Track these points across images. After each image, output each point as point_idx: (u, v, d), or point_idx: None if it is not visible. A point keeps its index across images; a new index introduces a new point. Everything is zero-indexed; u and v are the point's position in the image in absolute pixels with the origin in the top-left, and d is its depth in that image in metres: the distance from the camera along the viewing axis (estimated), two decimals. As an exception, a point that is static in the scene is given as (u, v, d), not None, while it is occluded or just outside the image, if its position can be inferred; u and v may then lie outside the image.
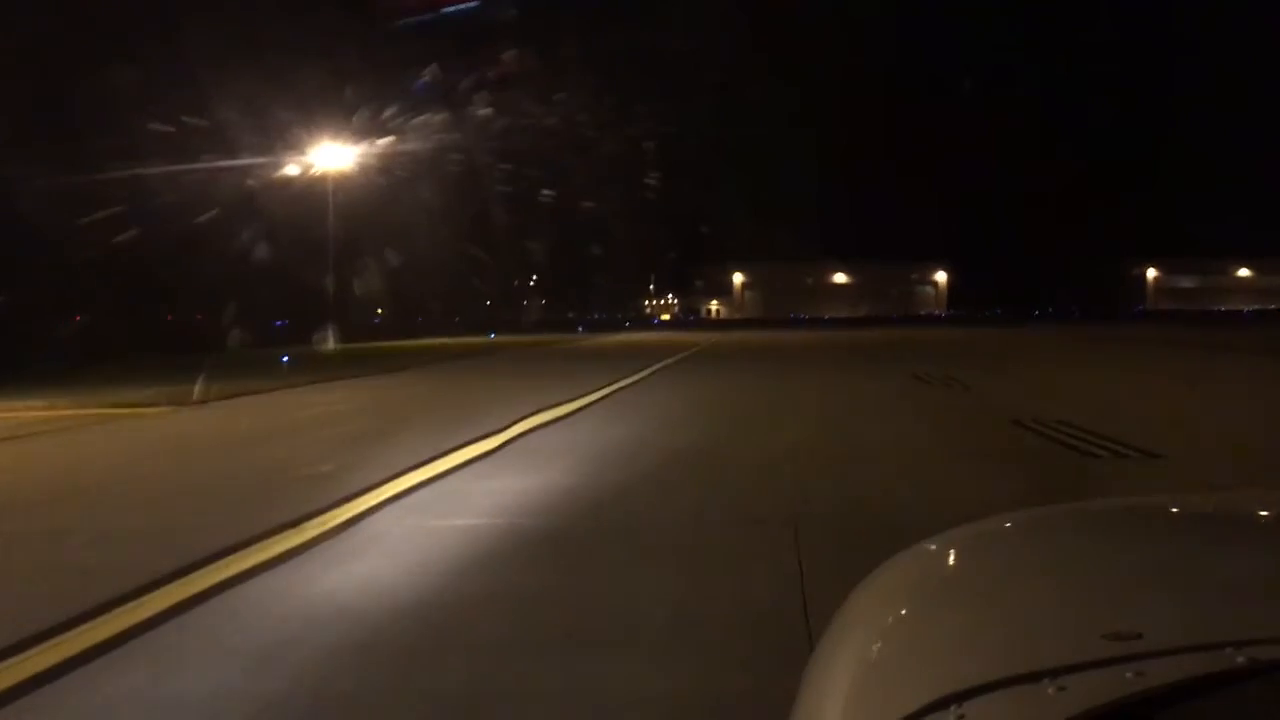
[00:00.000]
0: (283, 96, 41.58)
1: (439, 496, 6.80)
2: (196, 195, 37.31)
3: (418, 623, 3.97)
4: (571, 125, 60.08)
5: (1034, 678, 0.82)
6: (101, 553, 5.38)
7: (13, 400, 15.30)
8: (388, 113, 43.35)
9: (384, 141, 42.89)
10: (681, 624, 3.92)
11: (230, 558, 4.95)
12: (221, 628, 4.02)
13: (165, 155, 35.54)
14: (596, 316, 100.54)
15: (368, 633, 3.84)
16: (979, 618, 1.11)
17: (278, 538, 5.38)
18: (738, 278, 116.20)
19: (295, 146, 40.34)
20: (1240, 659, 0.81)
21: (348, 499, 6.50)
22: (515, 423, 10.85)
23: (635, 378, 18.58)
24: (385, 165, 44.21)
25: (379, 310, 70.72)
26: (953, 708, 0.80)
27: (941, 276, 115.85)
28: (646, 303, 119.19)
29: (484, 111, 46.83)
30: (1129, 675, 0.79)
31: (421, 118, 43.61)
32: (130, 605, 4.19)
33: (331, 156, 41.97)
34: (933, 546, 1.43)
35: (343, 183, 42.65)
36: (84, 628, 3.87)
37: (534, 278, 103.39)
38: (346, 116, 41.52)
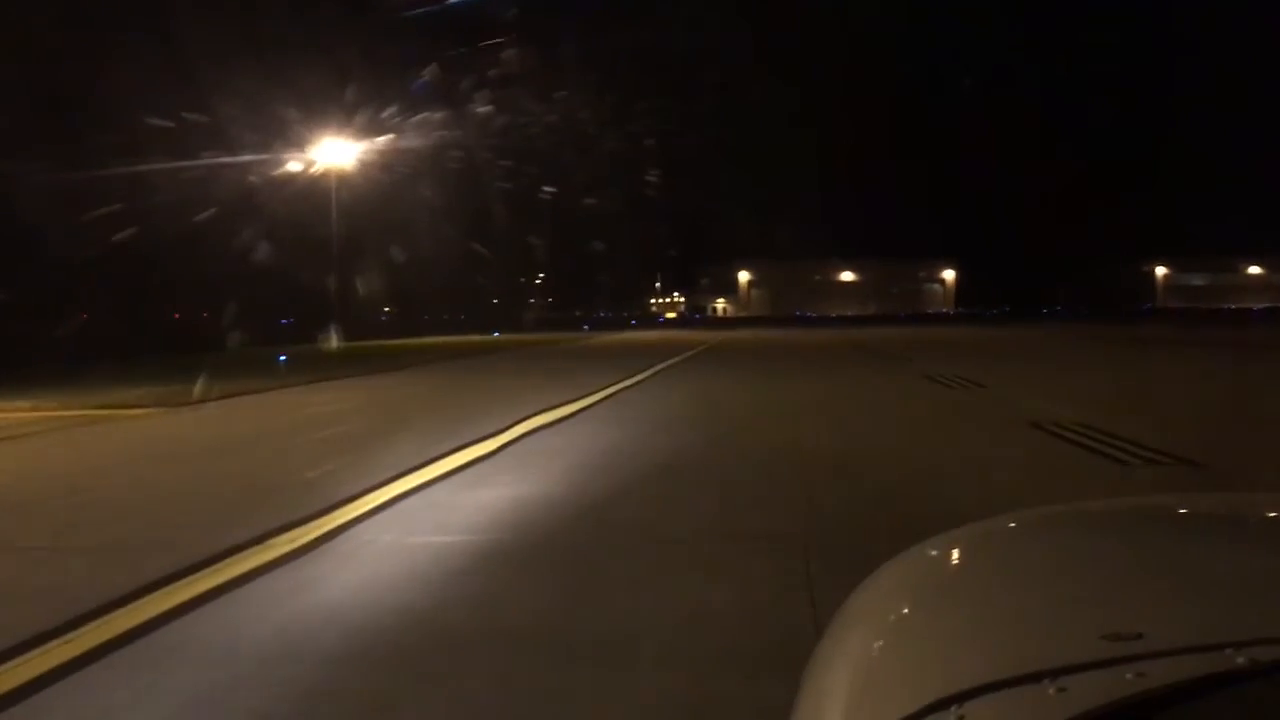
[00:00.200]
0: (285, 93, 41.23)
1: (424, 507, 6.33)
2: (199, 193, 37.02)
3: (364, 683, 3.39)
4: (574, 123, 59.69)
5: (1034, 678, 0.81)
6: (17, 575, 4.85)
7: (0, 401, 14.89)
8: (390, 110, 43.02)
9: (387, 139, 42.56)
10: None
11: (178, 584, 4.44)
12: (154, 667, 3.53)
13: (167, 152, 35.27)
14: (602, 315, 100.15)
15: (300, 694, 3.26)
16: (979, 618, 1.10)
17: (238, 558, 4.90)
18: (743, 276, 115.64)
19: (298, 143, 40.07)
20: (1240, 659, 0.80)
21: (325, 511, 6.04)
22: (512, 425, 10.39)
23: (638, 378, 18.10)
24: (388, 162, 43.89)
25: (386, 309, 70.45)
26: (953, 708, 0.80)
27: (949, 274, 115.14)
28: (652, 301, 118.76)
29: (486, 109, 46.42)
30: (1129, 676, 0.79)
31: (424, 115, 43.24)
32: (39, 650, 3.59)
33: (334, 153, 41.66)
34: (933, 547, 1.42)
35: (345, 180, 42.35)
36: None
37: (540, 276, 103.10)
38: (349, 113, 41.22)
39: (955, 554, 1.43)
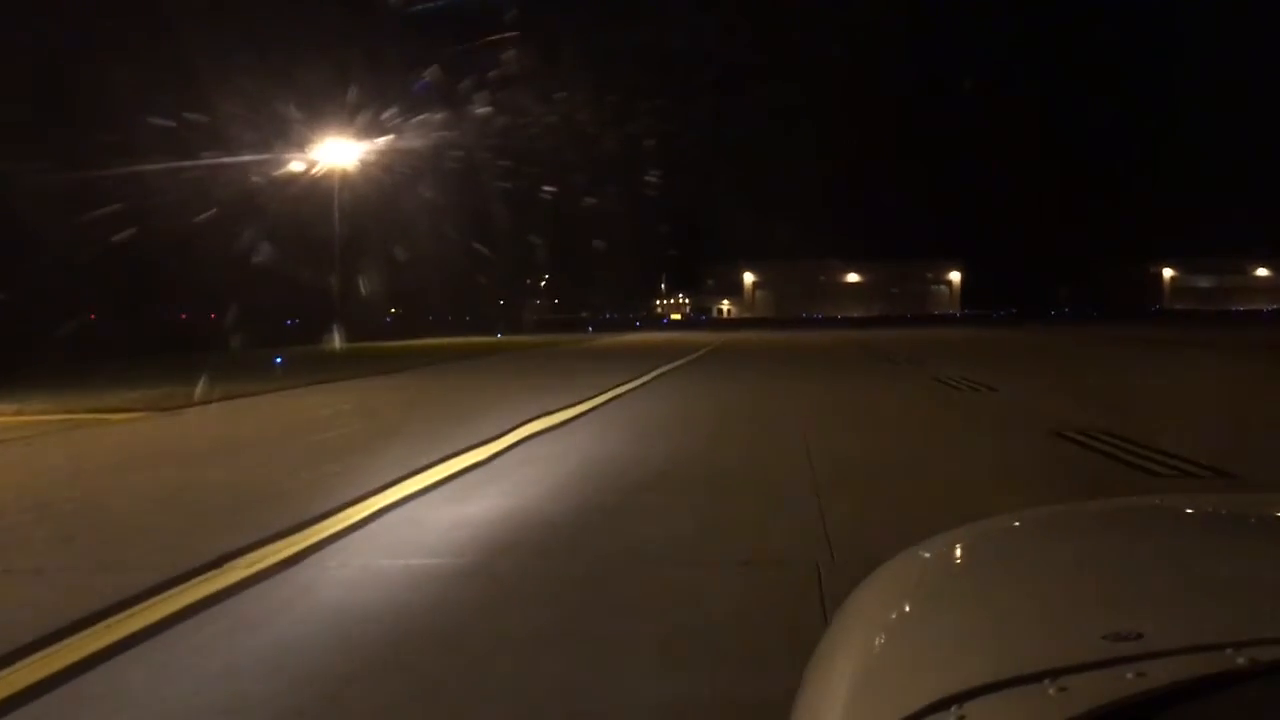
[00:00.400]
0: (287, 93, 40.85)
1: (403, 524, 5.85)
2: (200, 193, 36.73)
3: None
4: (579, 123, 59.34)
5: (1034, 678, 0.81)
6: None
7: (-15, 404, 14.47)
8: (392, 110, 42.65)
9: (388, 139, 42.21)
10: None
11: (100, 626, 3.91)
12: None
13: (168, 153, 34.99)
14: (608, 316, 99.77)
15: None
16: (979, 618, 1.10)
17: (183, 588, 4.41)
18: (748, 277, 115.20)
19: (299, 143, 39.75)
20: (1240, 659, 0.80)
21: (296, 529, 5.57)
22: (507, 432, 9.94)
23: (641, 381, 17.64)
24: (390, 163, 43.51)
25: (392, 310, 70.17)
26: (953, 708, 0.79)
27: (956, 276, 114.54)
28: (657, 302, 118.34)
29: (487, 109, 46.04)
30: (1129, 676, 0.79)
31: (425, 116, 42.87)
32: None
33: (336, 153, 41.31)
34: (933, 547, 1.42)
35: (348, 181, 42.00)
36: None
37: (545, 277, 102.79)
38: (350, 114, 40.89)
39: (955, 554, 1.44)
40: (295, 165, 40.63)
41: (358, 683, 3.33)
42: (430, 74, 43.38)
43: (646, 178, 77.10)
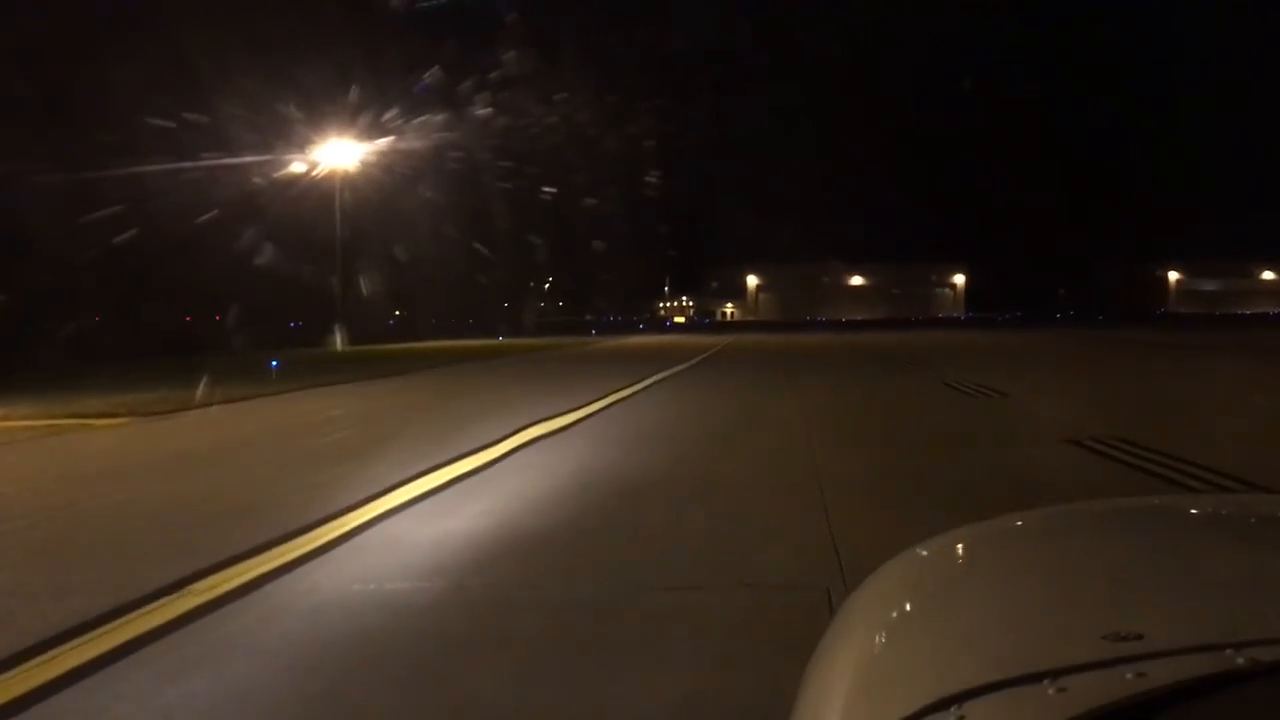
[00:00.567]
0: (288, 94, 40.57)
1: (381, 543, 5.45)
2: (202, 195, 36.49)
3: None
4: (584, 125, 59.06)
5: (1034, 678, 0.81)
6: None
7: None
8: (393, 110, 42.37)
9: (389, 140, 41.93)
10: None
11: (35, 662, 3.48)
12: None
13: (170, 153, 34.77)
14: (611, 319, 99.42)
15: None
16: (979, 618, 1.09)
17: (137, 615, 4.01)
18: (752, 280, 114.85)
19: (301, 145, 39.52)
20: (1240, 659, 0.80)
21: (265, 548, 5.16)
22: (502, 440, 9.54)
23: (643, 384, 17.24)
24: (391, 163, 43.22)
25: (397, 312, 69.86)
26: (953, 708, 0.79)
27: (960, 279, 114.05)
28: (660, 305, 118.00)
29: (488, 110, 45.76)
30: (1129, 676, 0.79)
31: (428, 116, 42.60)
32: None
33: (338, 154, 41.04)
34: (933, 547, 1.40)
35: (350, 182, 41.74)
36: None
37: (549, 280, 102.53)
38: (352, 115, 40.65)
39: (955, 554, 1.42)
40: (296, 166, 40.39)
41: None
42: (431, 75, 43.15)
43: (647, 179, 76.77)
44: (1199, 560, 1.24)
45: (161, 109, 35.88)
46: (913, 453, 8.78)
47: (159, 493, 7.32)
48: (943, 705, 0.80)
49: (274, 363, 22.28)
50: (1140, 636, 0.87)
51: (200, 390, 15.86)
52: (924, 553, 1.40)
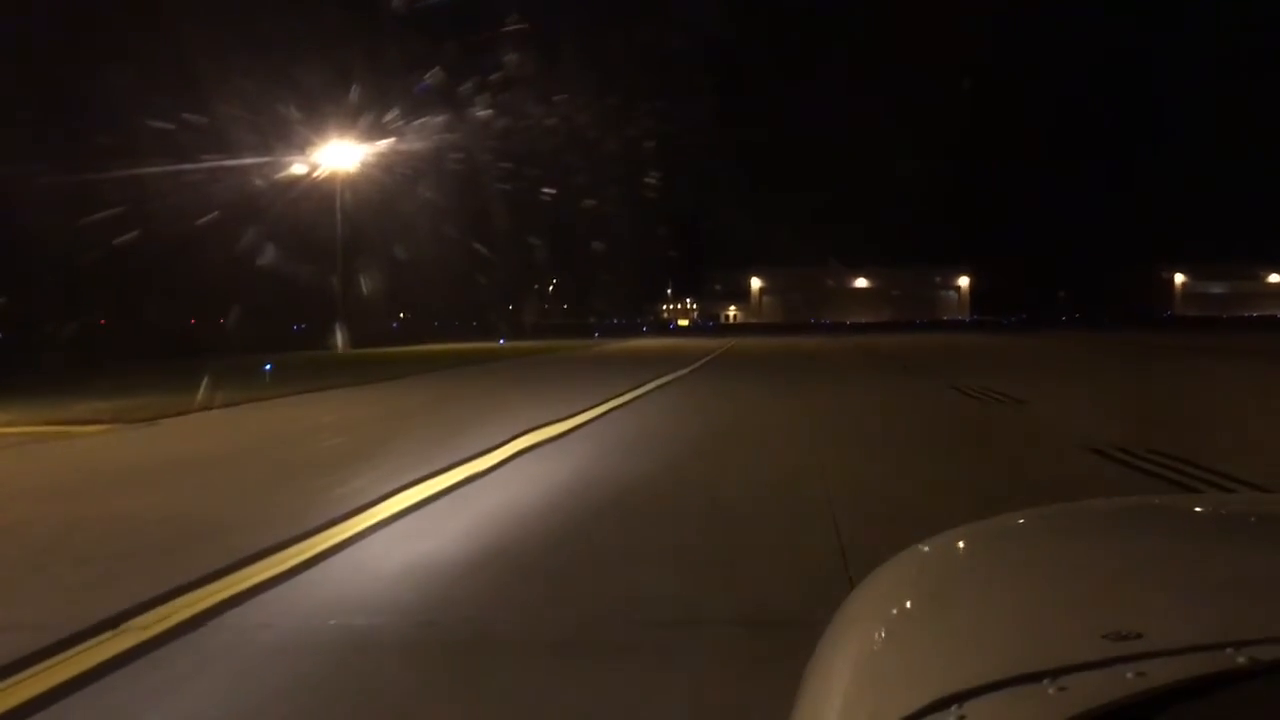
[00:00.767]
0: (289, 96, 40.23)
1: (350, 570, 4.94)
2: (203, 196, 36.19)
3: None
4: (585, 126, 58.72)
5: (1034, 678, 0.81)
6: None
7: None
8: (394, 112, 42.03)
9: (390, 142, 41.59)
10: None
11: None
12: None
13: (170, 155, 34.49)
14: (614, 321, 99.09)
15: None
16: (979, 618, 1.09)
17: (68, 655, 3.52)
18: (755, 282, 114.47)
19: (301, 146, 39.20)
20: (1241, 659, 0.79)
21: (223, 573, 4.69)
22: (494, 449, 9.08)
23: (644, 389, 16.77)
24: (392, 165, 42.86)
25: (401, 314, 69.56)
26: (953, 708, 0.79)
27: (964, 281, 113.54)
28: (664, 307, 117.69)
29: (489, 111, 45.41)
30: (1129, 675, 0.79)
31: (428, 117, 42.26)
32: None
33: (339, 155, 40.70)
34: (933, 546, 1.39)
35: (351, 183, 41.39)
36: None
37: (553, 281, 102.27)
38: (353, 116, 40.31)
39: (955, 554, 1.40)
40: (297, 168, 40.05)
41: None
42: (431, 76, 42.81)
43: (648, 180, 76.43)
44: (1199, 560, 1.23)
45: (162, 110, 35.65)
46: (925, 462, 8.30)
47: (119, 510, 6.78)
48: (943, 704, 0.79)
49: (267, 366, 21.87)
50: (1140, 636, 0.86)
51: (190, 396, 15.43)
52: (924, 552, 1.38)
